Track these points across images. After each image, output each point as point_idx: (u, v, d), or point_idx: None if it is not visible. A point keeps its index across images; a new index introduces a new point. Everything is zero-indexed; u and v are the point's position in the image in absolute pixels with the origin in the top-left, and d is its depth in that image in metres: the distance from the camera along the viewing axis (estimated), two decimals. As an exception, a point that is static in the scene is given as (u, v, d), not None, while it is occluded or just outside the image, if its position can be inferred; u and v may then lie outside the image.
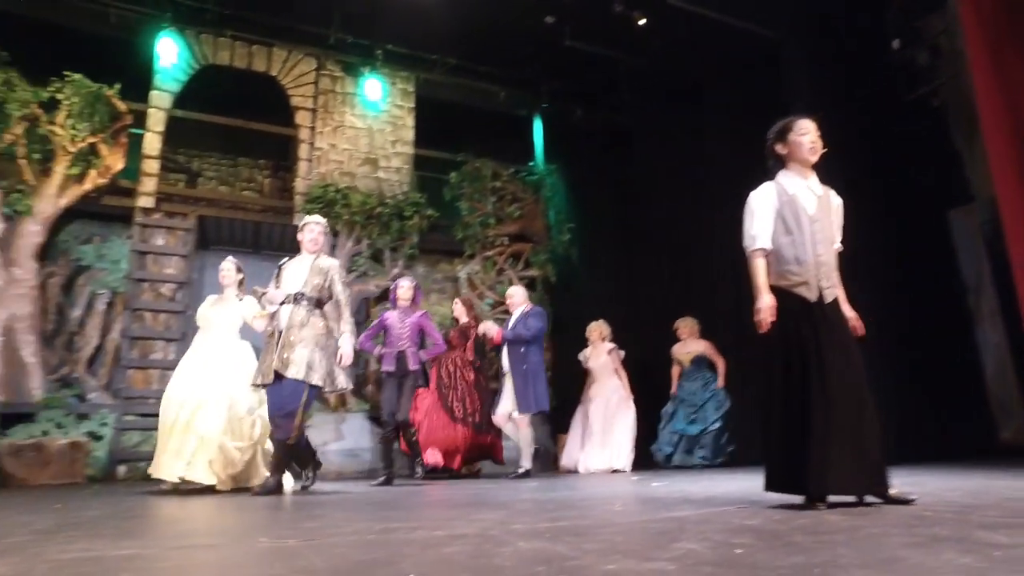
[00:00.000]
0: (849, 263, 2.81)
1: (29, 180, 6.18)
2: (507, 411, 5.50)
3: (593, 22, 7.08)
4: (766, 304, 2.49)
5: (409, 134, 8.05)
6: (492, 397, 5.84)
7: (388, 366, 4.98)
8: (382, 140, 7.89)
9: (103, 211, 6.64)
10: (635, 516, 2.35)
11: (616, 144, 8.77)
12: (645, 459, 6.38)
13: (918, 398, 5.43)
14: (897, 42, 6.23)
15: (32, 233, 6.13)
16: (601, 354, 6.46)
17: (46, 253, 6.26)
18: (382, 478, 4.73)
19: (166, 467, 4.05)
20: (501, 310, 7.75)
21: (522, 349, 5.52)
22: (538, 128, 8.95)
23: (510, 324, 5.70)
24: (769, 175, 2.74)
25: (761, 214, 2.61)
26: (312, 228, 4.31)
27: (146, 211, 6.63)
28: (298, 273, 4.19)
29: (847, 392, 2.40)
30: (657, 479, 4.80)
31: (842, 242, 2.73)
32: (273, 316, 4.13)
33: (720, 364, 6.36)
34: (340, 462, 6.32)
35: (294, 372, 3.87)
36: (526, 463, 5.41)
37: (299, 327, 3.99)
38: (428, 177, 8.24)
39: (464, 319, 6.08)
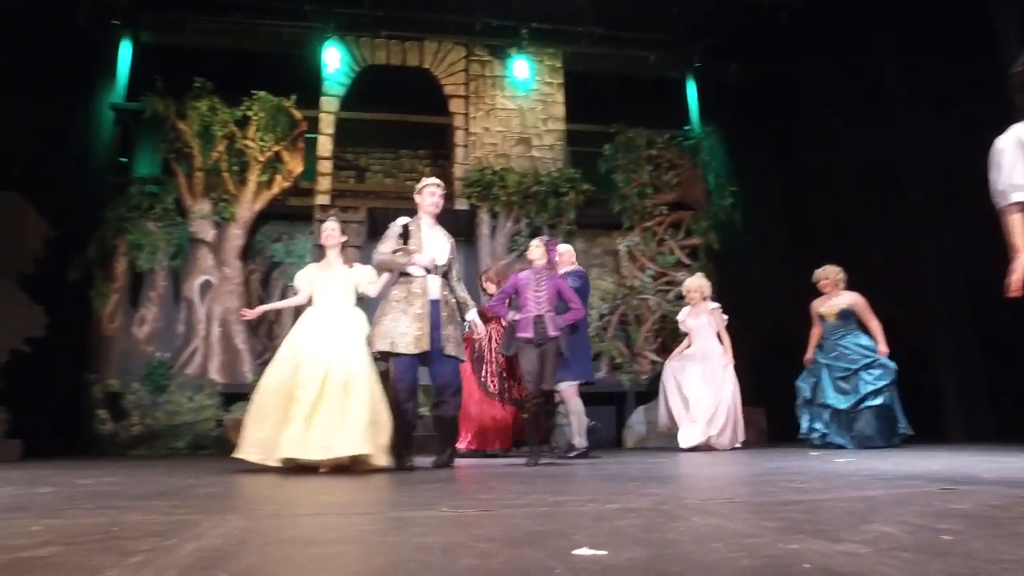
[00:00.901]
0: None
1: (231, 190, 7.04)
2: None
3: (745, -33, 6.63)
4: (1022, 264, 2.13)
5: (560, 110, 8.05)
6: None
7: (526, 332, 4.47)
8: (533, 119, 7.96)
9: (288, 211, 7.37)
10: (818, 494, 2.19)
11: (777, 98, 8.17)
12: (787, 437, 5.92)
13: None
14: None
15: (236, 236, 6.98)
16: (701, 313, 5.97)
17: (247, 253, 7.10)
18: (533, 456, 4.30)
19: (303, 447, 3.58)
20: (664, 281, 7.57)
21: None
22: (691, 89, 8.56)
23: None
24: (1018, 116, 2.36)
25: (1011, 163, 2.25)
26: (434, 191, 4.23)
27: (323, 208, 7.24)
28: (439, 244, 4.14)
29: None
30: (841, 455, 4.46)
31: None
32: (404, 280, 4.02)
33: (876, 325, 5.47)
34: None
35: (451, 350, 3.96)
36: (578, 440, 4.97)
37: (445, 303, 4.04)
38: (582, 152, 8.19)
39: (494, 291, 5.61)
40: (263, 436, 3.70)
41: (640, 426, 6.91)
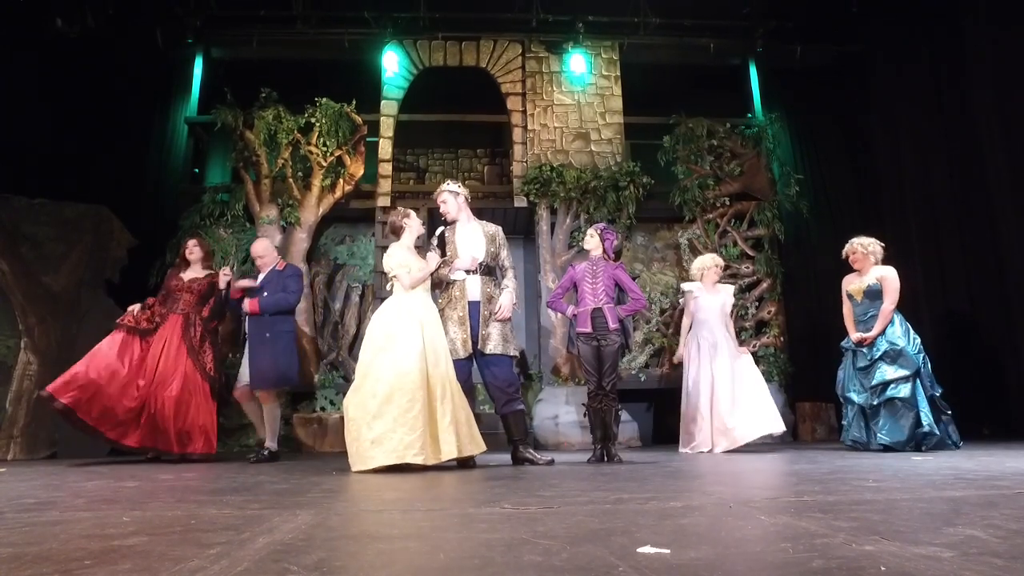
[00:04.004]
0: None
1: (296, 195, 7.25)
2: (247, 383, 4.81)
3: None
4: None
5: (617, 103, 7.95)
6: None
7: (583, 327, 4.35)
8: (591, 113, 7.89)
9: (350, 214, 7.55)
10: (893, 493, 2.09)
11: (846, 79, 7.86)
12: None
13: None
14: None
15: (301, 240, 7.19)
16: (716, 295, 5.38)
17: (311, 256, 7.32)
18: (595, 454, 4.29)
19: (442, 447, 3.58)
20: (728, 274, 7.38)
21: (267, 316, 4.82)
22: (753, 75, 8.30)
23: (259, 282, 4.97)
24: None
25: None
26: (438, 200, 4.26)
27: (384, 210, 7.34)
28: (474, 242, 4.12)
29: None
30: (920, 453, 4.25)
31: None
32: (446, 287, 4.08)
33: (887, 307, 4.67)
34: (568, 433, 6.47)
35: (492, 348, 3.96)
36: (271, 443, 4.86)
37: (488, 300, 4.04)
38: (641, 144, 8.07)
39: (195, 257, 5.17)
40: (407, 438, 3.44)
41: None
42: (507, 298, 4.12)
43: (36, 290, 5.92)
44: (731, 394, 5.13)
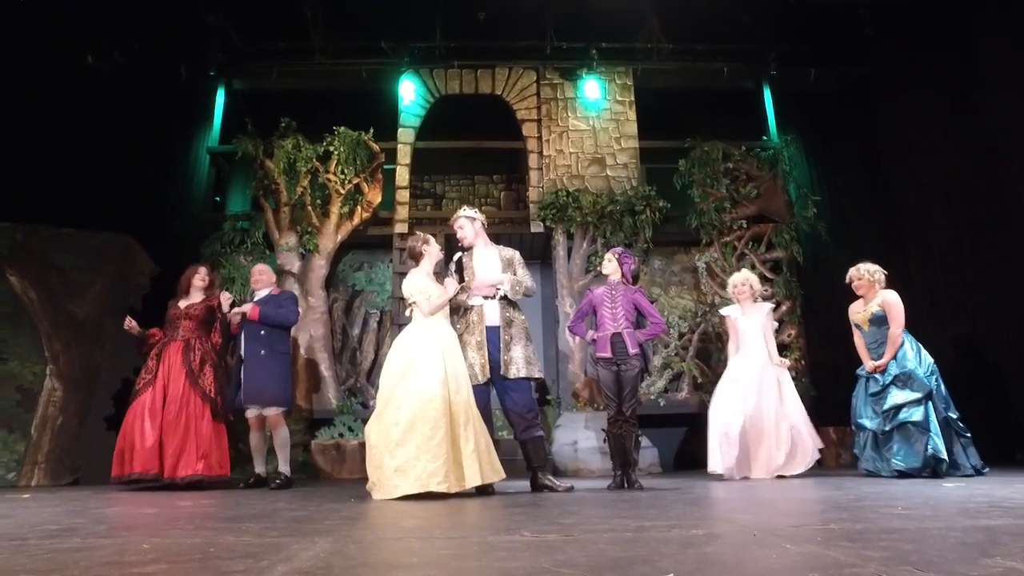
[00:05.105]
0: None
1: (315, 223, 7.33)
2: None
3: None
4: None
5: (632, 128, 7.99)
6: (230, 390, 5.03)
7: (603, 352, 4.29)
8: (606, 138, 7.93)
9: (368, 241, 7.62)
10: (925, 522, 2.04)
11: (861, 100, 7.84)
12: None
13: None
14: None
15: (320, 267, 7.25)
16: (754, 313, 5.23)
17: (330, 282, 7.37)
18: (615, 481, 4.24)
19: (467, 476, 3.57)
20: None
21: (262, 332, 4.96)
22: (768, 98, 8.31)
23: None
24: None
25: None
26: (455, 226, 4.33)
27: (401, 236, 7.39)
28: (492, 267, 4.15)
29: None
30: (951, 480, 4.14)
31: None
32: (463, 312, 4.10)
33: (896, 332, 4.58)
34: (588, 459, 6.38)
35: (516, 372, 3.95)
36: (284, 468, 4.98)
37: (508, 324, 4.04)
38: (657, 169, 8.07)
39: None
40: (429, 466, 3.41)
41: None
42: (509, 277, 4.12)
43: (62, 318, 6.02)
44: (775, 424, 4.98)
